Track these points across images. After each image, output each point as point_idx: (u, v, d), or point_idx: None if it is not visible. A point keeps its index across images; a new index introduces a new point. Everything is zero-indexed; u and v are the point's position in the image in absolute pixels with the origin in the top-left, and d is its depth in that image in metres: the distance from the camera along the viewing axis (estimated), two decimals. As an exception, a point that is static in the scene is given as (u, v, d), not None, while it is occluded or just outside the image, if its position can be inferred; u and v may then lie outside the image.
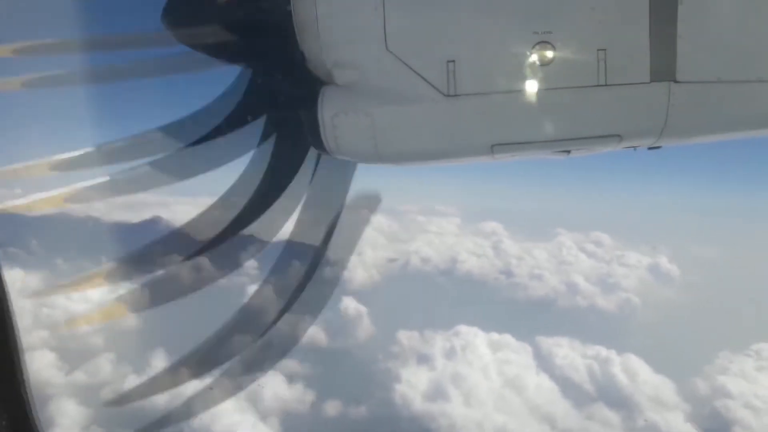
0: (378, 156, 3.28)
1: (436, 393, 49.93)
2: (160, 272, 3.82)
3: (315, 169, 3.76)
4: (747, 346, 57.44)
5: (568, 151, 3.38)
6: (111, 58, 4.19)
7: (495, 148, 3.18)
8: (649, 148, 3.55)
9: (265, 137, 3.60)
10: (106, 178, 3.69)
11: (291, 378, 48.38)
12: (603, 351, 56.11)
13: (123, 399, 4.17)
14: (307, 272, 3.99)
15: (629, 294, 70.61)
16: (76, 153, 3.86)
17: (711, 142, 3.74)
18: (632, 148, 3.51)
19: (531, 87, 3.09)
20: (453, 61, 3.02)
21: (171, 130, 3.72)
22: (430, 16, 3.04)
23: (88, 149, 4.02)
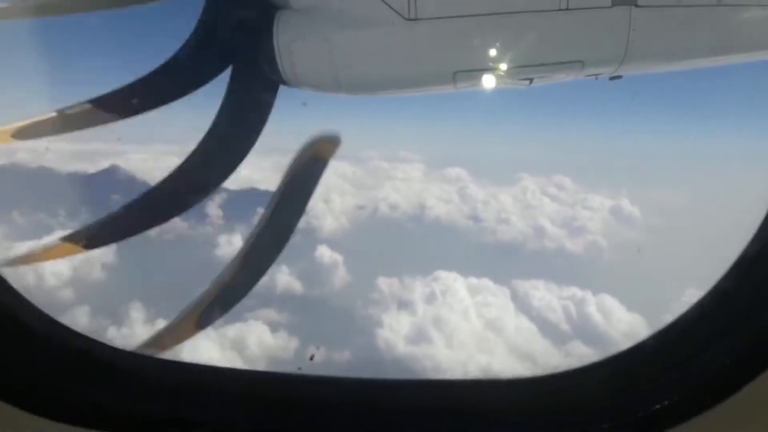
0: (338, 84, 3.20)
1: (419, 336, 51.21)
2: (118, 212, 3.76)
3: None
4: (710, 284, 59.51)
5: (531, 80, 3.37)
6: None
7: (457, 75, 3.14)
8: (611, 78, 3.54)
9: (222, 68, 3.47)
10: (54, 113, 3.55)
11: (273, 327, 49.02)
12: (578, 292, 57.83)
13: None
14: (270, 217, 3.95)
15: (596, 236, 72.27)
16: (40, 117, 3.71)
17: (671, 79, 3.76)
18: (594, 77, 3.51)
19: (492, 11, 2.99)
20: None
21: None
22: None
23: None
